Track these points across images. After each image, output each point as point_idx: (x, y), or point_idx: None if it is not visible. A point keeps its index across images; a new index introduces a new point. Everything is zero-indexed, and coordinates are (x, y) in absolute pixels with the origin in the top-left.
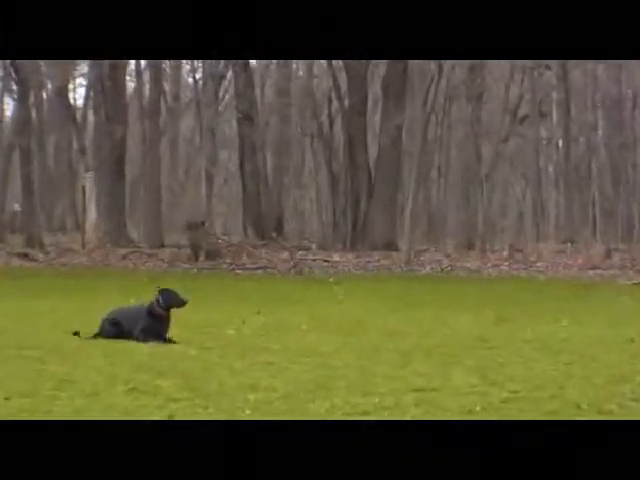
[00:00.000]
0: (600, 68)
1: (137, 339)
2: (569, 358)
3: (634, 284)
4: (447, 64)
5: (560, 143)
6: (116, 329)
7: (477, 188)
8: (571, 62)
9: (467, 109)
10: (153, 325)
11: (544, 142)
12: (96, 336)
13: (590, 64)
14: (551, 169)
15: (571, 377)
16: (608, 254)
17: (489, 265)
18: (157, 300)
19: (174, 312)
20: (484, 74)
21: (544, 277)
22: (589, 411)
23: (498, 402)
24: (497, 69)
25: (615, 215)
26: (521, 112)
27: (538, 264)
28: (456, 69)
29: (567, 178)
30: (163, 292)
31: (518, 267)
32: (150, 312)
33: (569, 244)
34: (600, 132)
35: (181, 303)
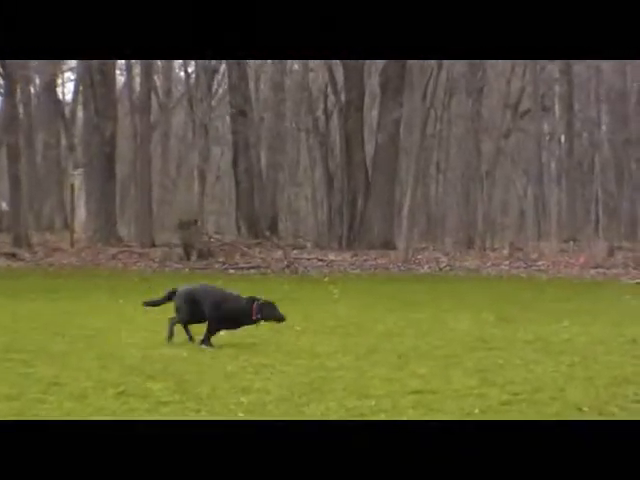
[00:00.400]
0: (604, 61)
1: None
2: (570, 359)
3: (638, 283)
4: None
5: (562, 138)
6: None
7: (477, 185)
8: None
9: (467, 104)
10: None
11: (546, 137)
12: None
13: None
14: (553, 165)
15: (572, 379)
16: (611, 252)
17: (489, 264)
18: (255, 310)
19: None
20: (485, 67)
21: (545, 276)
22: (590, 413)
23: (498, 404)
24: (498, 62)
25: (618, 212)
26: (522, 106)
27: (539, 263)
28: (456, 63)
29: (569, 174)
30: (264, 305)
31: (519, 266)
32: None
33: (571, 242)
34: (604, 127)
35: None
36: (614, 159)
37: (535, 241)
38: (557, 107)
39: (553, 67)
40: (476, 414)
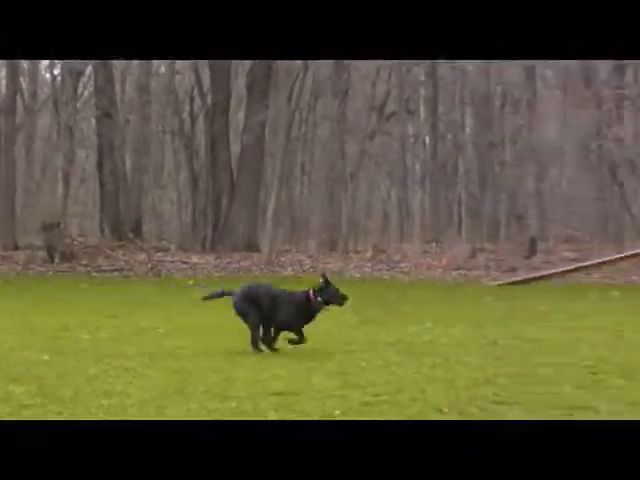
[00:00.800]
0: (469, 64)
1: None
2: (432, 361)
3: (499, 285)
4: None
5: (427, 141)
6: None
7: (341, 187)
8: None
9: (333, 106)
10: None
11: (411, 140)
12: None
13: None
14: (417, 167)
15: (434, 380)
16: (473, 254)
17: (352, 266)
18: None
19: None
20: (350, 70)
21: (408, 278)
22: (450, 414)
23: (359, 406)
24: (364, 64)
25: (481, 214)
26: (388, 109)
27: (402, 265)
28: (322, 64)
29: (433, 177)
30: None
31: (381, 268)
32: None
33: (434, 244)
34: (468, 130)
35: (341, 301)
36: (477, 161)
37: (398, 243)
38: (422, 109)
39: (419, 70)
40: (337, 415)
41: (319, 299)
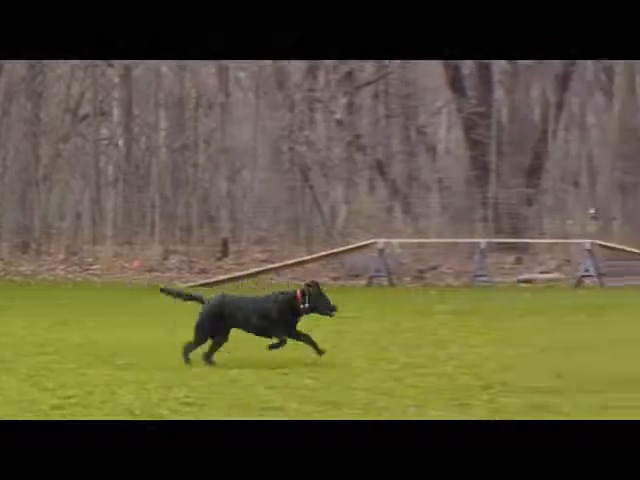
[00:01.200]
0: (164, 66)
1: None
2: (125, 362)
3: (190, 287)
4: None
5: (121, 143)
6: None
7: (34, 189)
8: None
9: (27, 107)
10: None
11: (104, 142)
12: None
13: (154, 62)
14: (111, 170)
15: (125, 382)
16: (166, 256)
17: (45, 269)
18: (303, 298)
19: None
20: (45, 71)
21: (100, 280)
22: (141, 416)
23: (49, 409)
24: (59, 66)
25: (174, 216)
26: (82, 111)
27: (94, 267)
28: (16, 65)
29: (127, 179)
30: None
31: (74, 270)
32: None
33: (126, 246)
34: (162, 132)
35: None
36: (171, 164)
37: (91, 245)
38: (116, 111)
39: (113, 71)
40: (29, 417)
41: (306, 305)
